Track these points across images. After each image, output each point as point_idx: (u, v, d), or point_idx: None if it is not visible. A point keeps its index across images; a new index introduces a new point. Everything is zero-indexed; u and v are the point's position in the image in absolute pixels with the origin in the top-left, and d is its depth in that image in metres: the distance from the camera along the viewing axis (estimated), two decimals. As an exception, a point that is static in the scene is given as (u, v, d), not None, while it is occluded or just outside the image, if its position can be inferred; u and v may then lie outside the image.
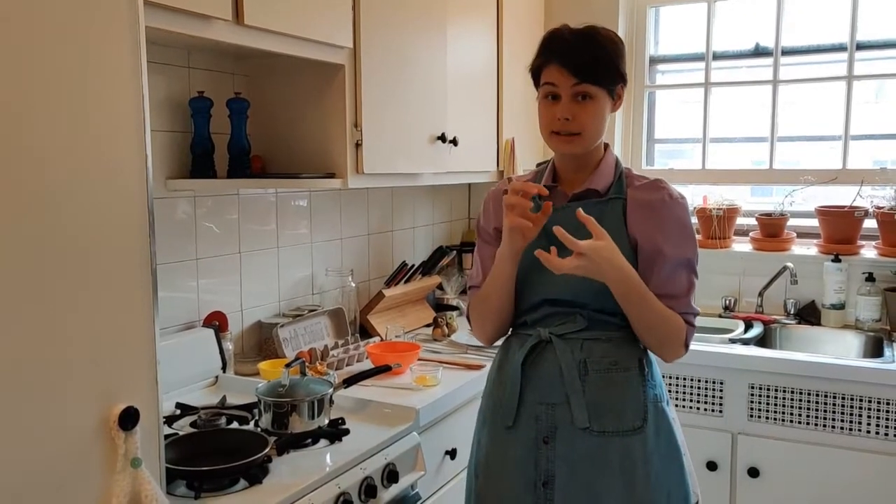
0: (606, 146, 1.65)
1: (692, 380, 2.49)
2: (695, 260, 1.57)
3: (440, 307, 2.90)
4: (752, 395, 2.41)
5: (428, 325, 2.74)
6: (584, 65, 1.51)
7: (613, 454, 1.51)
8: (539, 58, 1.58)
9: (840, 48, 2.95)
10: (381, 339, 2.46)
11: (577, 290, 1.53)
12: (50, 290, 1.02)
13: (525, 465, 1.55)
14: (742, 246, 3.00)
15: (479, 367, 2.20)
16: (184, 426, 1.71)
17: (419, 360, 2.22)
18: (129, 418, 1.10)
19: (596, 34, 1.56)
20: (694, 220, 3.04)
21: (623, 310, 1.51)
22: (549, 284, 1.56)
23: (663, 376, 2.47)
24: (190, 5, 1.52)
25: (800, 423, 2.36)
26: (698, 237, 3.02)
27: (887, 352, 2.44)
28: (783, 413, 2.38)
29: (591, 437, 1.51)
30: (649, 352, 1.60)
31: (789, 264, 2.79)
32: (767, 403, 2.39)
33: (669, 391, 2.52)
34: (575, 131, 1.54)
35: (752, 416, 2.42)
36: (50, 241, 1.02)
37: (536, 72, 1.58)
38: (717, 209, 2.95)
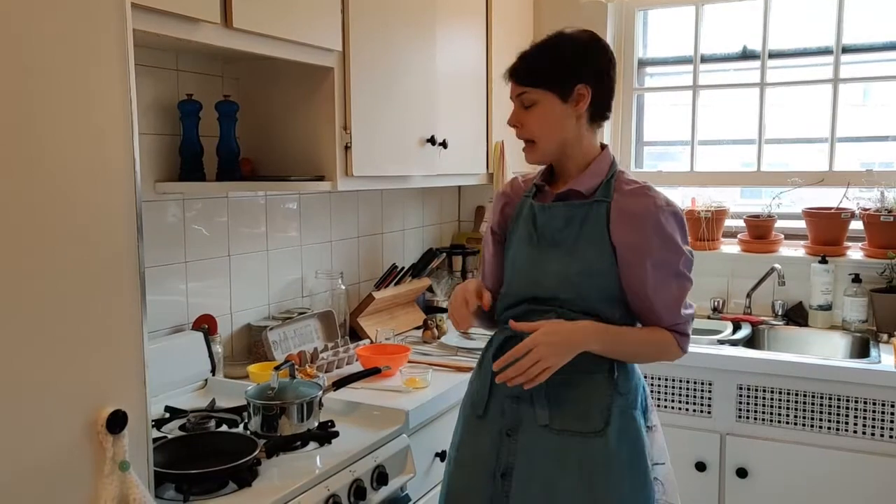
0: (605, 147, 1.64)
1: (681, 381, 2.50)
2: (682, 267, 1.54)
3: (430, 309, 2.90)
4: (741, 395, 2.42)
5: (418, 328, 2.74)
6: (519, 72, 1.57)
7: (572, 453, 1.52)
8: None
9: (826, 51, 2.97)
10: (371, 342, 2.46)
11: (559, 292, 1.55)
12: (37, 293, 1.02)
13: (489, 456, 1.59)
14: (730, 248, 3.01)
15: (469, 370, 2.20)
16: (173, 429, 1.71)
17: (409, 362, 2.22)
18: (116, 422, 1.10)
19: (550, 39, 1.58)
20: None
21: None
22: (531, 284, 1.59)
23: (652, 377, 2.50)
24: (178, 8, 1.51)
25: (788, 423, 2.37)
26: (687, 239, 3.03)
27: (873, 352, 2.46)
28: (771, 413, 2.39)
29: (551, 435, 1.53)
30: None
31: (777, 266, 2.81)
32: (755, 404, 2.41)
33: (659, 392, 2.53)
34: (527, 138, 1.59)
35: (740, 416, 2.43)
36: (37, 244, 1.02)
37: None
38: (706, 211, 2.96)
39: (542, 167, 1.71)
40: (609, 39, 3.13)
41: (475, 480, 1.60)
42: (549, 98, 1.54)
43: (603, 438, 1.52)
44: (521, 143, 1.65)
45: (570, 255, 1.55)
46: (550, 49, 1.56)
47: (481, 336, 2.40)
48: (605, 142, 3.29)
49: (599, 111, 1.59)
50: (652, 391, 2.53)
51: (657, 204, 1.53)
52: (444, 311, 2.88)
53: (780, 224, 2.97)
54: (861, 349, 2.62)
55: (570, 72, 1.54)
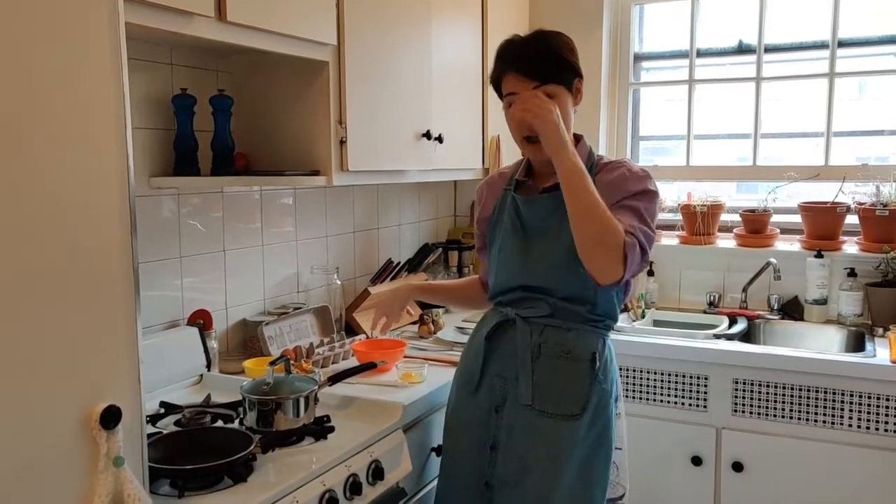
0: (580, 139, 1.71)
1: (677, 375, 2.50)
2: (647, 206, 1.60)
3: (426, 305, 2.89)
4: (737, 389, 2.43)
5: (414, 323, 2.73)
6: (537, 67, 1.59)
7: (547, 433, 1.62)
8: (496, 69, 1.68)
9: (822, 46, 2.97)
10: (367, 337, 2.46)
11: (547, 278, 1.64)
12: (30, 289, 1.02)
13: (480, 428, 1.72)
14: (726, 242, 3.01)
15: (464, 364, 2.20)
16: (168, 425, 1.70)
17: (405, 357, 2.22)
18: (110, 417, 1.09)
19: (543, 35, 1.64)
20: (675, 216, 3.07)
21: (563, 194, 1.51)
22: (521, 272, 1.68)
23: (647, 371, 2.51)
24: (171, 2, 1.50)
25: (783, 417, 2.38)
26: (682, 233, 3.04)
27: (868, 346, 2.46)
28: (767, 408, 2.39)
29: (532, 414, 1.63)
30: (605, 349, 1.67)
31: (773, 260, 2.81)
32: (751, 398, 2.41)
33: (654, 386, 2.53)
34: None
35: (736, 410, 2.43)
36: (30, 240, 1.01)
37: (496, 83, 1.68)
38: (702, 206, 2.96)
39: (520, 162, 1.81)
40: (605, 34, 3.12)
41: (468, 448, 1.73)
42: (562, 91, 1.61)
43: (577, 422, 1.62)
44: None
45: (556, 241, 1.63)
46: (554, 45, 1.62)
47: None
48: (601, 135, 3.28)
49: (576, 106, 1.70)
50: (647, 385, 2.53)
51: (631, 169, 1.65)
52: (439, 306, 2.87)
53: (775, 218, 2.97)
54: (856, 343, 2.62)
55: (572, 66, 1.63)
